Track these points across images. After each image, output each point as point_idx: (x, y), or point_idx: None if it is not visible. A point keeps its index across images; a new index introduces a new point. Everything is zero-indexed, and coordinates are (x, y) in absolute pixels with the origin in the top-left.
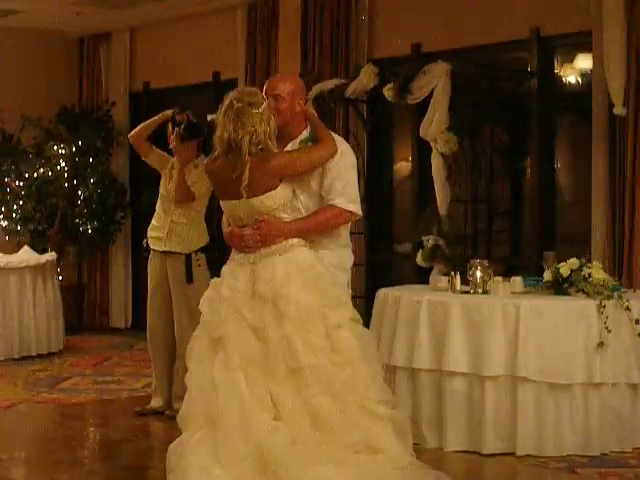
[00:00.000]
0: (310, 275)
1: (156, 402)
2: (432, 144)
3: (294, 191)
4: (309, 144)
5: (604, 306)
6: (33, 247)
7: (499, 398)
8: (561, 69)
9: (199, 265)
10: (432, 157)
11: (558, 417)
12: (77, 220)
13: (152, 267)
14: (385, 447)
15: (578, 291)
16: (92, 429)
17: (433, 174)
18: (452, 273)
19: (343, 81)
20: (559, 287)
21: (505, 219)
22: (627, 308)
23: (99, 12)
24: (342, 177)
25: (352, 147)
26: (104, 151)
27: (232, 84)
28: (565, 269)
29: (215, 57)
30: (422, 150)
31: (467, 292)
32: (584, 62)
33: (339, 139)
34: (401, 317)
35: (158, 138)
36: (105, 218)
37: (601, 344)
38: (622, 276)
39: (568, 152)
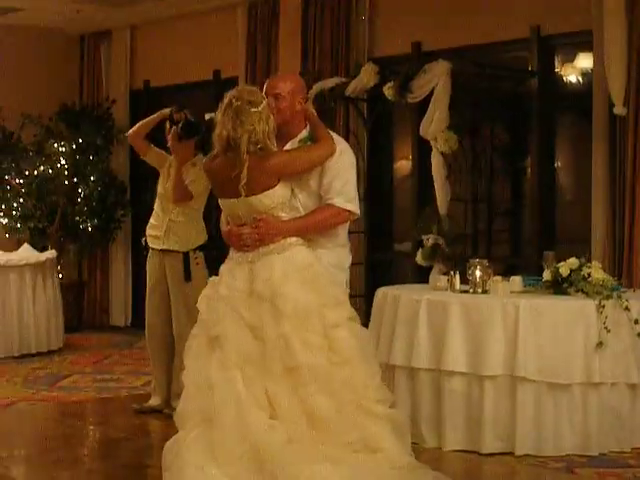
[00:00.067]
0: (308, 274)
1: (155, 400)
2: (432, 143)
3: (293, 190)
4: (308, 143)
5: (603, 306)
6: (33, 245)
7: (498, 398)
8: (561, 68)
9: (197, 263)
10: (432, 156)
11: (557, 417)
12: (77, 218)
13: (150, 265)
14: (383, 446)
15: (577, 291)
16: (92, 427)
17: (433, 173)
18: (451, 272)
19: (343, 80)
20: (559, 287)
21: (505, 218)
22: (626, 308)
23: (99, 10)
24: (341, 176)
25: (352, 146)
26: (104, 149)
27: (232, 82)
28: (565, 269)
29: (215, 55)
30: (422, 149)
31: (466, 291)
32: (584, 61)
33: (338, 138)
34: (400, 316)
35: (157, 136)
36: (105, 216)
37: (600, 344)
38: (622, 275)
39: (568, 151)
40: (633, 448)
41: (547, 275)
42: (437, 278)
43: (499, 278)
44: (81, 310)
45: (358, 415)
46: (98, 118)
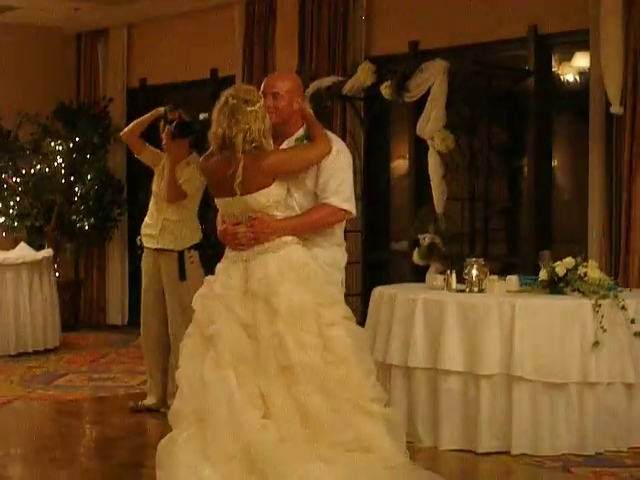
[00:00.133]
0: (303, 273)
1: (150, 400)
2: (429, 142)
3: (289, 189)
4: (304, 142)
5: (600, 305)
6: (30, 243)
7: (494, 397)
8: (559, 67)
9: (192, 262)
10: (429, 155)
11: (553, 416)
12: (74, 217)
13: (145, 265)
14: (378, 446)
15: (574, 290)
16: (88, 426)
17: (430, 172)
18: (448, 272)
19: (340, 78)
20: (555, 286)
21: (502, 217)
22: (623, 307)
23: (96, 8)
24: (337, 175)
25: (349, 145)
26: (101, 148)
27: (229, 81)
28: (561, 268)
29: (213, 54)
30: (419, 148)
31: (463, 291)
32: (582, 61)
33: (335, 138)
34: (397, 315)
35: (151, 135)
36: (102, 215)
37: (596, 343)
38: (618, 275)
39: (565, 151)
40: (629, 447)
41: (543, 274)
42: (434, 277)
43: (495, 277)
44: (78, 309)
45: (353, 414)
46: (95, 116)
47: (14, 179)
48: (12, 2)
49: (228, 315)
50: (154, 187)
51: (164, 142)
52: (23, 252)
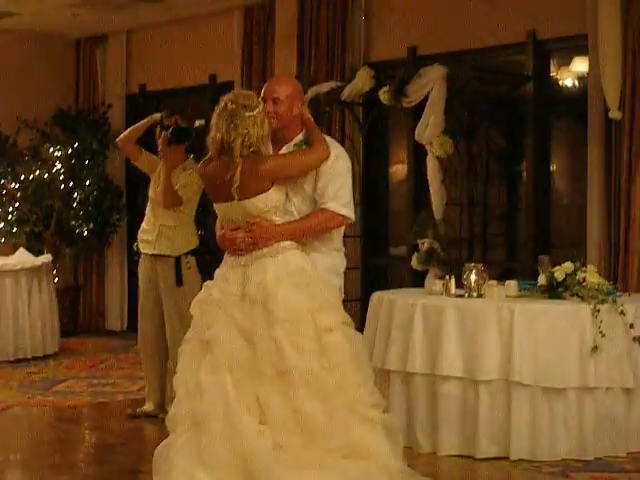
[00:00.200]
0: (301, 278)
1: (149, 406)
2: (428, 147)
3: (287, 194)
4: (303, 147)
5: (598, 310)
6: (29, 249)
7: (493, 402)
8: (557, 72)
9: (189, 268)
10: (428, 160)
11: (552, 421)
12: (73, 222)
13: (142, 270)
14: (375, 452)
15: (573, 295)
16: (87, 432)
17: (429, 177)
18: (447, 277)
19: (339, 84)
20: (554, 291)
21: (501, 222)
22: (622, 312)
23: (95, 14)
24: (335, 180)
25: (348, 150)
26: (100, 153)
27: (228, 87)
28: (560, 273)
29: (211, 60)
30: (418, 153)
31: (462, 296)
32: (580, 65)
33: (334, 143)
34: (396, 321)
35: (147, 141)
36: (101, 220)
37: (595, 348)
38: (617, 280)
39: (564, 155)
40: (628, 453)
41: (542, 279)
42: (432, 282)
43: (494, 282)
44: (77, 314)
45: (350, 420)
46: (94, 122)
47: (13, 185)
48: (11, 8)
49: (226, 320)
50: (150, 193)
51: (160, 148)
52: (22, 258)
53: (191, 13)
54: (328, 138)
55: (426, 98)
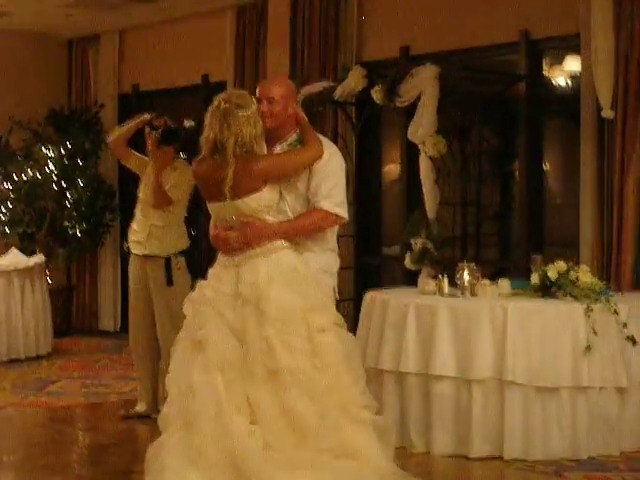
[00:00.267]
0: (294, 277)
1: (141, 406)
2: (420, 147)
3: (281, 193)
4: (297, 146)
5: (591, 309)
6: (22, 250)
7: (486, 402)
8: (550, 72)
9: (179, 268)
10: (420, 160)
11: (545, 421)
12: (66, 222)
13: (133, 270)
14: (366, 453)
15: (566, 294)
16: (80, 433)
17: (422, 177)
18: (440, 276)
19: (331, 83)
20: (547, 290)
21: (494, 222)
22: (615, 311)
23: (88, 14)
24: (329, 179)
25: (340, 150)
26: (93, 153)
27: (221, 87)
28: (553, 272)
29: (204, 60)
30: (411, 153)
31: (455, 295)
32: (573, 65)
33: (327, 142)
34: (389, 320)
35: (137, 141)
36: (94, 220)
37: (588, 348)
38: (610, 279)
39: (557, 155)
40: (622, 452)
41: (535, 279)
42: (425, 282)
43: (487, 282)
44: (70, 315)
45: (342, 421)
46: (87, 122)
47: (6, 185)
48: (3, 8)
49: (218, 320)
50: (140, 193)
51: (149, 149)
52: (15, 258)
53: (184, 13)
54: (322, 137)
55: (419, 98)
